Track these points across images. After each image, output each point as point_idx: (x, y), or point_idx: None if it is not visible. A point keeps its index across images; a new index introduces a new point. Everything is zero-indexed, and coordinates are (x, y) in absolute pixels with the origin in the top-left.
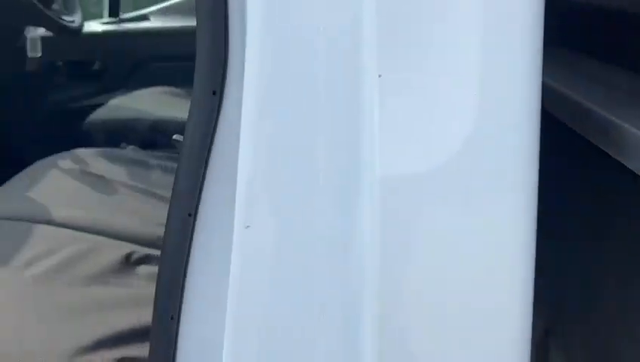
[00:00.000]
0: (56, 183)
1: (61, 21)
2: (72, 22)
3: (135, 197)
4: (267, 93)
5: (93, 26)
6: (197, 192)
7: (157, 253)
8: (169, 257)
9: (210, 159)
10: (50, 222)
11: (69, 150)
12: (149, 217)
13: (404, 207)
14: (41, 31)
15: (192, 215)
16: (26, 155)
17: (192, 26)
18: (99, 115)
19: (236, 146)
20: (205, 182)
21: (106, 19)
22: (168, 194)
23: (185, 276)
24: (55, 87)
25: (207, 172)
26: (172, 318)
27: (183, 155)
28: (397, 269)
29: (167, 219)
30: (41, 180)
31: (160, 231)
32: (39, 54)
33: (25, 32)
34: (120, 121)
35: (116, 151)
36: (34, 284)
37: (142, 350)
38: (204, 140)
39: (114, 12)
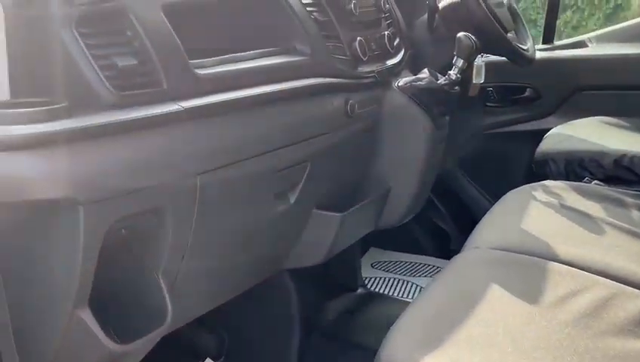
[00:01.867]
0: (541, 216)
1: (519, 49)
2: (527, 50)
3: (625, 238)
4: None
5: None
6: None
7: None
8: None
9: None
10: (557, 260)
11: (523, 179)
12: None
13: None
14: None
15: None
16: (470, 176)
17: (633, 54)
18: (549, 145)
19: None
20: None
21: (541, 45)
22: None
23: None
24: (487, 111)
25: None
26: None
27: None
28: None
29: None
30: (524, 212)
31: None
32: (482, 80)
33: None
34: (582, 153)
35: (584, 185)
36: (569, 327)
37: None
38: None
39: (548, 38)
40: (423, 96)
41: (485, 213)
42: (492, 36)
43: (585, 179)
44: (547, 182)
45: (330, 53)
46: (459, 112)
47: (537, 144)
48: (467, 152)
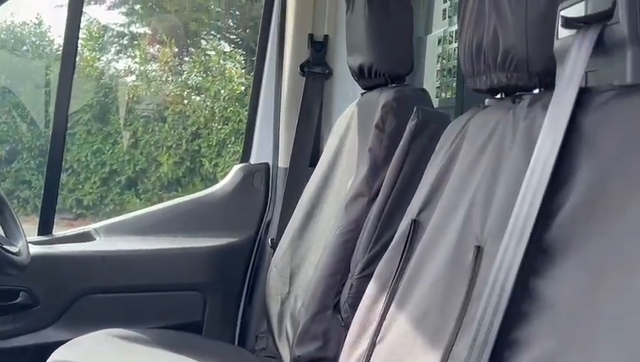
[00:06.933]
0: None
1: (6, 254)
2: (18, 253)
3: None
4: None
5: None
6: None
7: None
8: None
9: None
10: None
11: None
12: None
13: None
14: None
15: None
16: None
17: (144, 250)
18: None
19: None
20: None
21: (35, 237)
22: None
23: None
24: None
25: None
26: None
27: None
28: None
29: None
30: None
31: None
32: None
33: None
34: None
35: None
36: None
37: None
38: None
39: (46, 229)
40: None
41: None
42: None
43: None
44: None
45: None
46: None
47: None
48: None
